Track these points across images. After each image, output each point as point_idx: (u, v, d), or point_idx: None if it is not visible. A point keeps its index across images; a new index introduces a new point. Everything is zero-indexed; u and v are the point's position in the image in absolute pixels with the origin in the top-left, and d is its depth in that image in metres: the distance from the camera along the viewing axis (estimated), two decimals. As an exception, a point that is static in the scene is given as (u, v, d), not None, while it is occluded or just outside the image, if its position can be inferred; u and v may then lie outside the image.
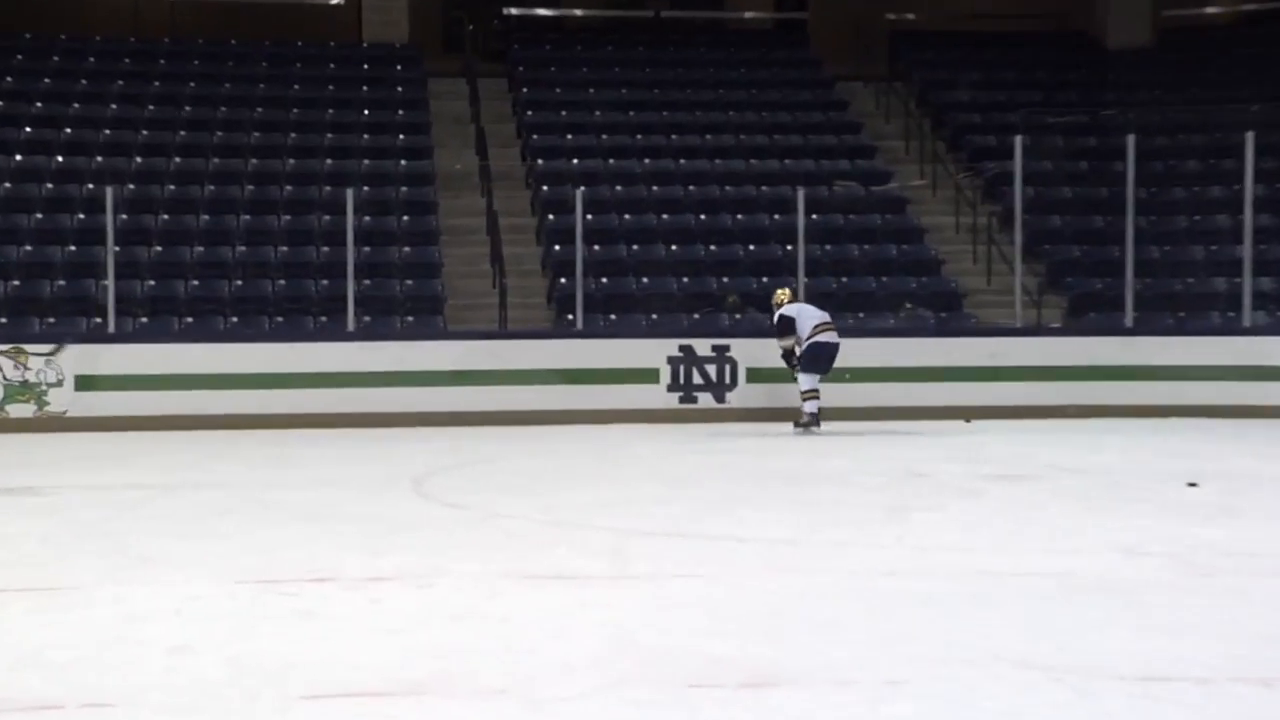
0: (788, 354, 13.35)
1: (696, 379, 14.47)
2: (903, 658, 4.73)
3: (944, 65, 21.67)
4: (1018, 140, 15.94)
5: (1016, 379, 14.73)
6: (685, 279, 16.54)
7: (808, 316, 13.25)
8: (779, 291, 13.59)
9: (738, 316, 15.73)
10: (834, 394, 14.31)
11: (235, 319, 15.47)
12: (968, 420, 14.20)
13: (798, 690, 4.38)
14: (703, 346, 14.54)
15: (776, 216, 17.58)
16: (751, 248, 17.16)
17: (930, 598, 5.72)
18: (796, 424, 13.16)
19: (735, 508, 8.39)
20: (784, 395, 14.06)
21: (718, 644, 4.93)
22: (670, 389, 14.42)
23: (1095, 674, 4.54)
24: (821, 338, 13.13)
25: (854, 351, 14.64)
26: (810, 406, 13.08)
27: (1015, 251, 15.98)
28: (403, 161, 18.41)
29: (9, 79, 19.16)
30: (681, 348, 14.51)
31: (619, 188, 18.19)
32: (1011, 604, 5.62)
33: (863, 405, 14.31)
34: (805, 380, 13.12)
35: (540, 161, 18.63)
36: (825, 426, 13.11)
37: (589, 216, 16.14)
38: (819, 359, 13.10)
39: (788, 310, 13.27)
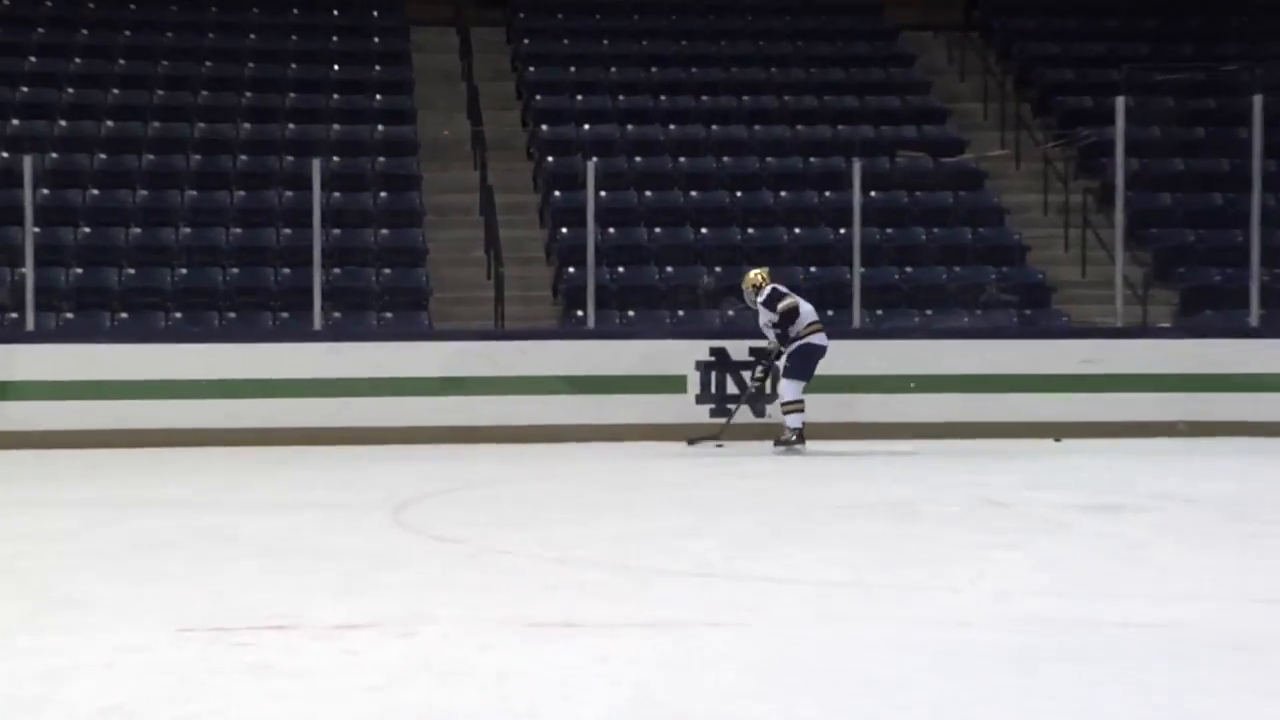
0: (765, 353, 13.30)
1: (731, 388, 14.46)
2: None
3: (1031, 12, 21.65)
4: (1120, 102, 15.90)
5: (1116, 389, 14.70)
6: (718, 268, 16.56)
7: (806, 310, 13.22)
8: (755, 272, 13.41)
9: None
10: (897, 407, 14.28)
11: (179, 314, 15.53)
12: (1057, 439, 14.17)
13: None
14: (738, 349, 14.54)
15: (828, 193, 17.58)
16: (797, 231, 17.16)
17: (1012, 653, 5.71)
18: (778, 442, 13.17)
19: (777, 543, 8.38)
20: (835, 408, 14.04)
21: (755, 707, 4.93)
22: (699, 400, 14.42)
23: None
24: (815, 338, 13.12)
25: (920, 356, 14.60)
26: (795, 420, 13.08)
27: (1116, 236, 15.94)
28: (380, 127, 18.47)
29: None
30: (713, 351, 14.52)
31: (638, 159, 18.22)
32: (1110, 662, 5.61)
33: (929, 420, 14.29)
34: (790, 389, 13.08)
35: (544, 127, 18.67)
36: (811, 446, 13.11)
37: (602, 193, 16.15)
38: (809, 363, 13.08)
39: (788, 295, 13.14)
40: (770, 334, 13.18)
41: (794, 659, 5.63)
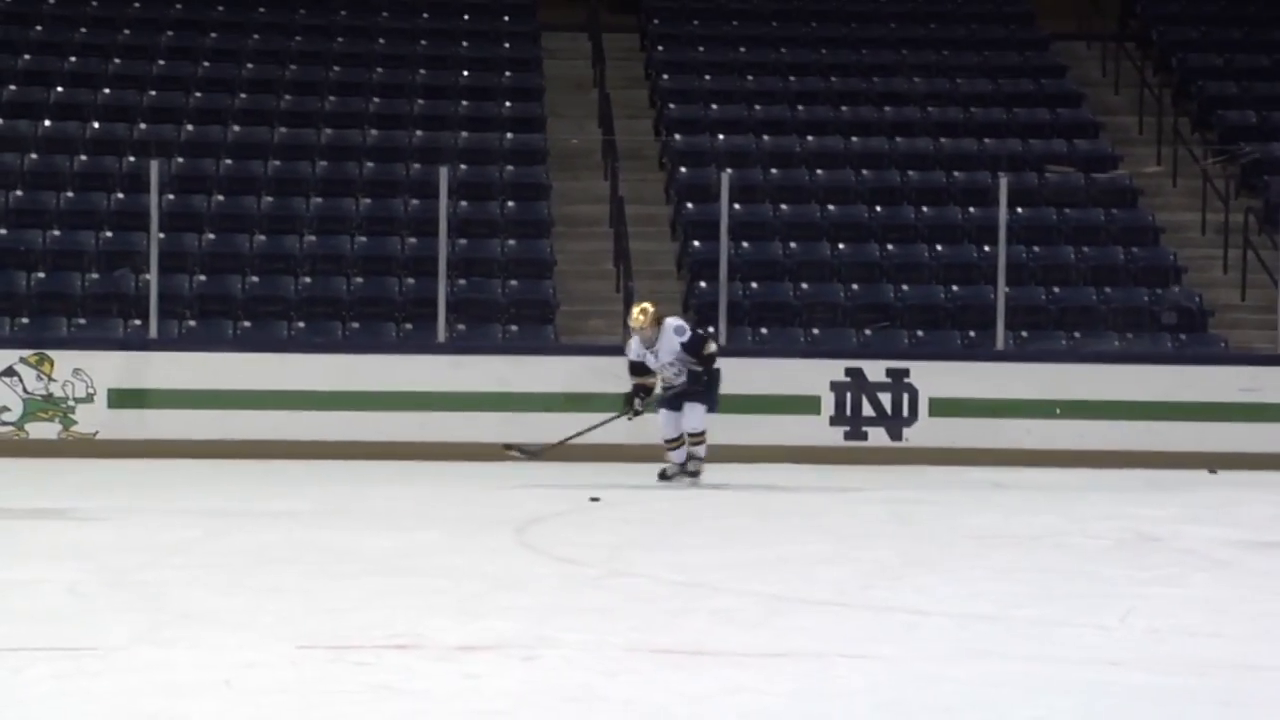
0: (698, 376, 12.63)
1: (867, 410, 14.37)
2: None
3: (1191, 21, 21.31)
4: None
5: (1277, 419, 14.43)
6: (855, 286, 16.47)
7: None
8: (642, 308, 12.71)
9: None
10: (1042, 433, 14.11)
11: (301, 324, 15.72)
12: (1213, 470, 13.94)
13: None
14: (875, 370, 14.43)
15: (972, 210, 17.41)
16: (939, 248, 17.02)
17: (1165, 696, 5.61)
18: (685, 472, 12.75)
19: (916, 573, 8.32)
20: (976, 433, 13.91)
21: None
22: (834, 422, 14.34)
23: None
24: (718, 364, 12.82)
25: (1068, 380, 14.41)
26: (703, 451, 12.76)
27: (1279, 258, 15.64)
28: (509, 134, 18.59)
29: (38, 28, 19.71)
30: (849, 371, 14.43)
31: (774, 171, 18.17)
32: (1273, 707, 5.50)
33: (1077, 448, 14.12)
34: (702, 419, 12.66)
35: (677, 137, 18.69)
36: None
37: (736, 206, 16.13)
38: (718, 391, 12.77)
39: (709, 337, 13.12)
40: (672, 374, 12.63)
41: (932, 696, 5.57)
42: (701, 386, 12.57)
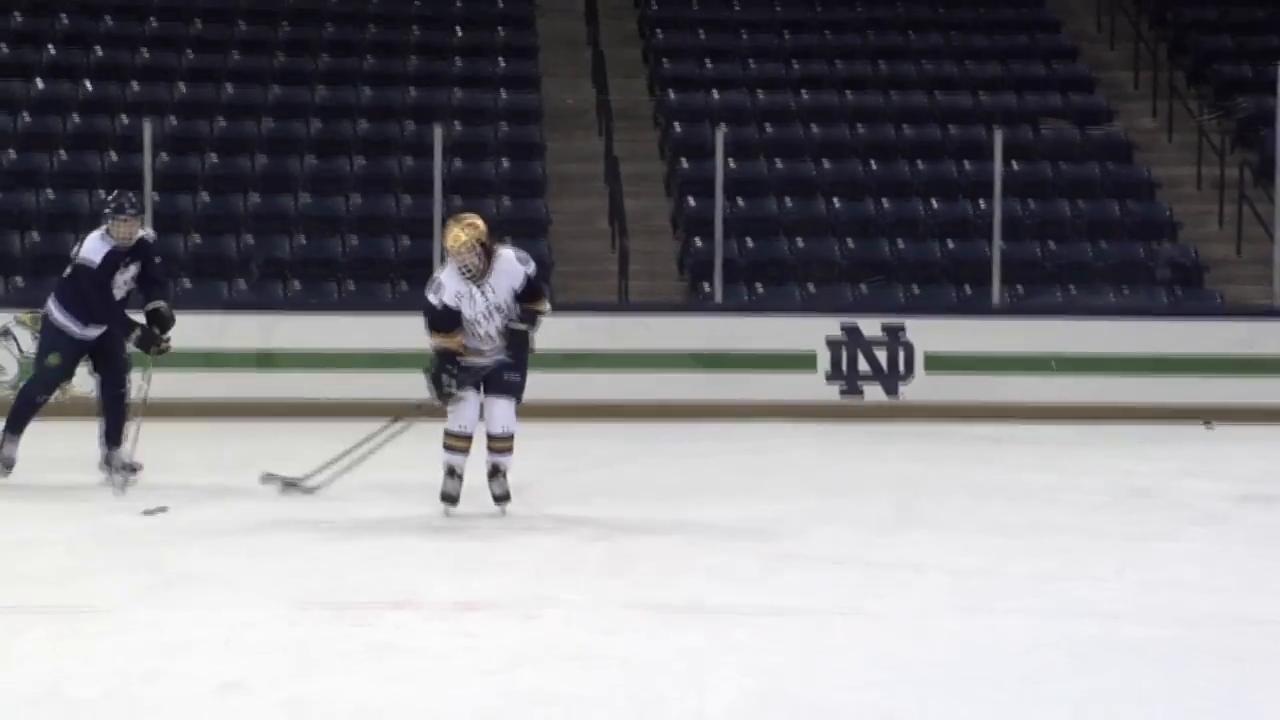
0: (523, 339, 8.87)
1: (863, 366, 14.38)
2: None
3: (1186, -27, 21.22)
4: (1281, 70, 15.58)
5: (1274, 373, 14.44)
6: (850, 242, 16.45)
7: None
8: (470, 222, 8.54)
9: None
10: (1037, 388, 14.12)
11: (297, 284, 15.71)
12: (1209, 424, 13.95)
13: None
14: (871, 326, 14.43)
15: (968, 165, 17.38)
16: (935, 204, 17.00)
17: (1160, 649, 5.63)
18: (502, 497, 8.80)
19: (911, 529, 8.35)
20: (972, 388, 13.91)
21: (886, 701, 4.91)
22: (830, 378, 14.34)
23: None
24: None
25: (1063, 335, 14.41)
26: (511, 462, 8.86)
27: (1276, 212, 15.62)
28: (503, 93, 18.53)
29: (30, -11, 19.62)
30: (844, 327, 14.43)
31: (769, 127, 18.13)
32: (1268, 661, 5.52)
33: (1072, 402, 14.11)
34: (513, 416, 8.91)
35: (672, 94, 18.63)
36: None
37: (731, 163, 16.08)
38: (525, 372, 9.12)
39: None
40: (496, 331, 8.71)
41: (928, 651, 5.59)
42: (519, 363, 8.86)
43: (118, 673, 5.18)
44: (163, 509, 8.61)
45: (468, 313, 8.52)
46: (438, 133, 15.17)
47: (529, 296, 8.68)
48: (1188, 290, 16.12)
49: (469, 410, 8.65)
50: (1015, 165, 16.82)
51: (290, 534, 7.97)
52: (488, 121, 18.00)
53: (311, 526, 8.20)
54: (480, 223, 8.52)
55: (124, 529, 8.11)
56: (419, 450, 11.03)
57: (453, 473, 8.70)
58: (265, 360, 14.21)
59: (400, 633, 5.75)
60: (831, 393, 14.34)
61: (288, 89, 18.24)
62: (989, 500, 9.45)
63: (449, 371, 8.53)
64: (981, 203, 16.29)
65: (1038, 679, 5.23)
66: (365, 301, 15.41)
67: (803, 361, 14.35)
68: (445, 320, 8.51)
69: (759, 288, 15.85)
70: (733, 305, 15.00)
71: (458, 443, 8.66)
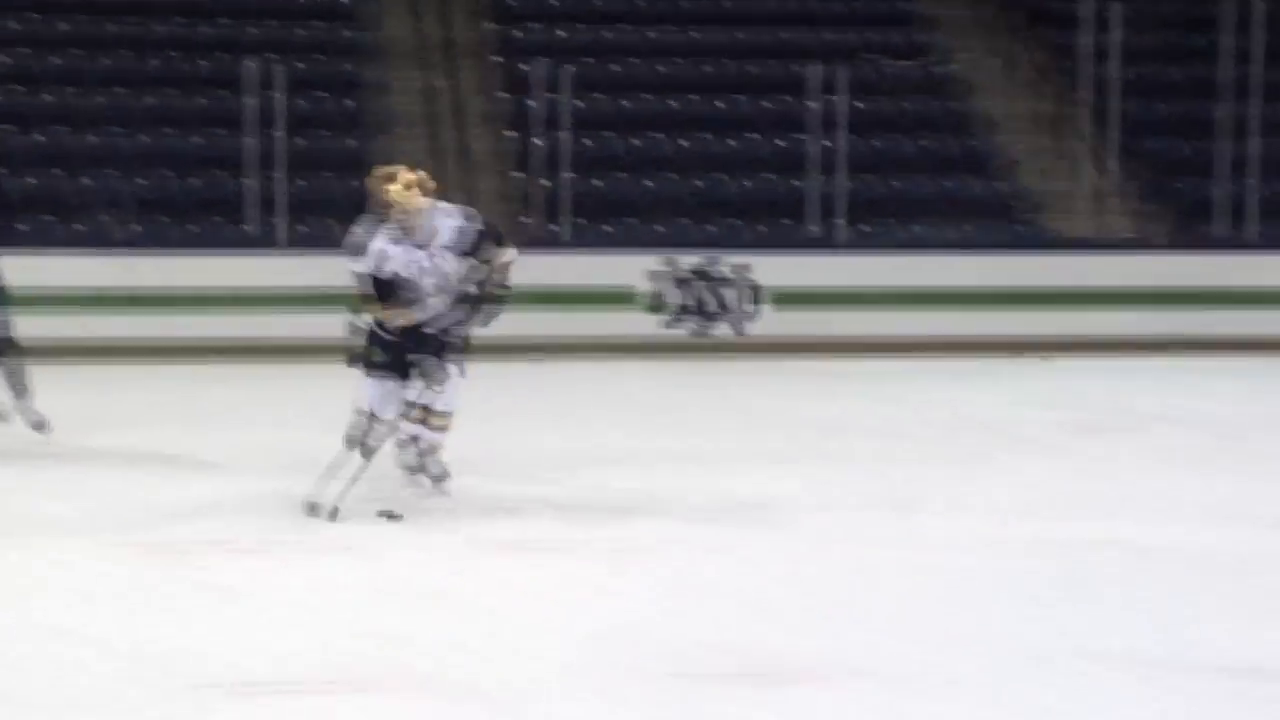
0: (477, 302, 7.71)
1: (709, 303, 14.41)
2: (950, 651, 4.74)
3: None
4: (1115, 7, 15.77)
5: (1109, 306, 14.69)
6: (698, 181, 16.44)
7: None
8: (409, 177, 7.46)
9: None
10: (880, 323, 14.27)
11: (137, 226, 15.40)
12: (1045, 358, 14.16)
13: (815, 688, 4.40)
14: (718, 263, 14.46)
15: (809, 103, 17.43)
16: (778, 141, 17.03)
17: (1002, 578, 5.72)
18: (436, 481, 7.66)
19: (757, 465, 8.38)
20: (822, 324, 14.01)
21: (724, 633, 4.94)
22: (670, 316, 14.37)
23: (1190, 669, 4.54)
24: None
25: (904, 271, 14.56)
26: (444, 440, 7.73)
27: (1109, 149, 15.85)
28: (345, 31, 18.25)
29: None
30: (691, 267, 14.45)
31: (613, 66, 18.04)
32: (1093, 584, 5.63)
33: (914, 336, 14.26)
34: (455, 395, 7.67)
35: (516, 33, 18.48)
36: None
37: (578, 102, 16.01)
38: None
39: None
40: (436, 288, 7.47)
41: (767, 585, 5.63)
42: (459, 351, 7.63)
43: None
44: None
45: (411, 277, 7.39)
46: (281, 73, 14.82)
47: (481, 251, 7.57)
48: (1025, 225, 16.34)
49: (376, 396, 7.48)
50: (859, 104, 16.87)
51: (124, 477, 7.81)
52: (328, 56, 17.71)
53: (149, 471, 8.03)
54: (407, 176, 7.43)
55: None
56: (262, 382, 10.86)
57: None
58: (103, 301, 13.93)
59: (240, 575, 5.71)
60: (679, 331, 14.38)
61: (127, 26, 17.81)
62: (834, 435, 9.52)
63: (381, 341, 7.43)
64: (826, 143, 16.33)
65: (871, 610, 5.28)
66: (206, 238, 15.17)
67: (632, 299, 14.38)
68: (379, 287, 7.38)
69: (605, 227, 15.80)
70: (580, 243, 14.99)
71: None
